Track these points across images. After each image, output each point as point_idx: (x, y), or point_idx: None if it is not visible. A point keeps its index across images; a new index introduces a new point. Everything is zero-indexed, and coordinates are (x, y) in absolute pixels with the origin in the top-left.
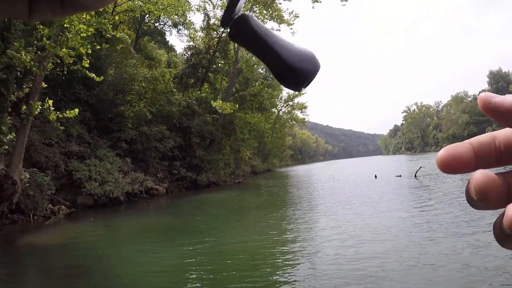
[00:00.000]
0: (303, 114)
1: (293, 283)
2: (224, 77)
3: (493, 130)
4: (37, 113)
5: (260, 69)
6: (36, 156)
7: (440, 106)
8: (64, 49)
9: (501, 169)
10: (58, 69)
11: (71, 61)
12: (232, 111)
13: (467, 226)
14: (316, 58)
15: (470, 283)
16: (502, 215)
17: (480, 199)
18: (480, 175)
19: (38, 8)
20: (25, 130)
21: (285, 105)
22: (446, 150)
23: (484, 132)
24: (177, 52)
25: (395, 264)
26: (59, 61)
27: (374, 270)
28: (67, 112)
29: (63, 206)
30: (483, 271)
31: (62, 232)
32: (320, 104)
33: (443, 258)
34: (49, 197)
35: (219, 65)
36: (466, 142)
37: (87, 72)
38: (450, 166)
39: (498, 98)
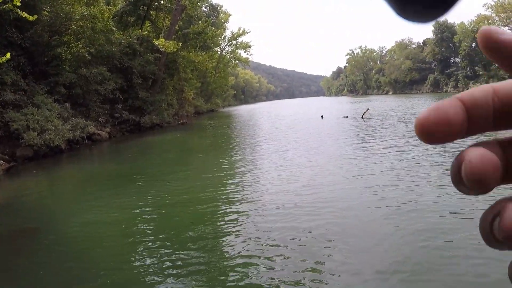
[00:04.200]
0: (247, 54)
1: (238, 231)
2: (166, 15)
3: (435, 78)
4: None
5: (203, 7)
6: None
7: (384, 51)
8: None
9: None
10: None
11: (0, 0)
12: (175, 49)
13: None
14: None
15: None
16: (493, 211)
17: (474, 188)
18: (477, 159)
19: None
20: None
21: (228, 44)
22: (431, 113)
23: (426, 80)
24: None
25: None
26: None
27: (323, 213)
28: None
29: (2, 161)
30: (430, 205)
31: (2, 189)
32: (263, 44)
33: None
34: None
35: (161, 2)
36: (455, 98)
37: (19, 11)
38: (436, 135)
39: (505, 36)
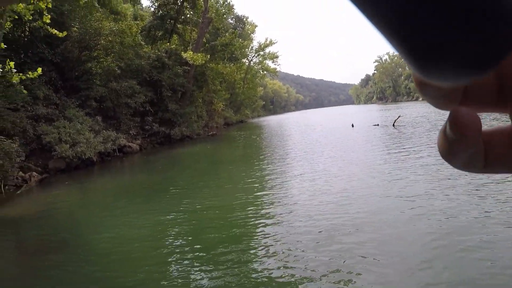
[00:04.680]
0: (275, 64)
1: (270, 238)
2: (193, 28)
3: None
4: None
5: (229, 19)
6: (1, 123)
7: None
8: (21, 4)
9: None
10: (19, 31)
11: (30, 18)
12: (203, 61)
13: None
14: None
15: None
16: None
17: (459, 137)
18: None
19: None
20: None
21: (256, 55)
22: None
23: None
24: (143, 6)
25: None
26: (16, 17)
27: (354, 223)
28: (30, 73)
29: (35, 173)
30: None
31: (35, 201)
32: (291, 54)
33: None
34: (19, 164)
35: (188, 15)
36: None
37: (49, 28)
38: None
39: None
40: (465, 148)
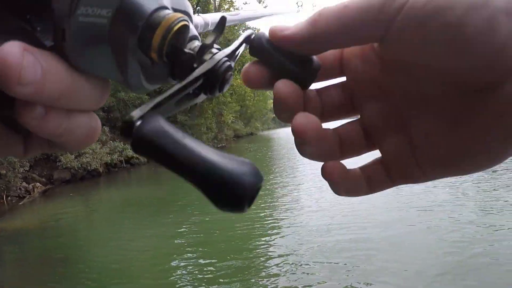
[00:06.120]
0: None
1: (280, 251)
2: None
3: None
4: None
5: (241, 31)
6: None
7: None
8: None
9: None
10: None
11: None
12: None
13: None
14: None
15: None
16: None
17: (301, 141)
18: (298, 115)
19: (32, 147)
20: None
21: None
22: None
23: None
24: None
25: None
26: None
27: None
28: None
29: (38, 184)
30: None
31: (38, 212)
32: None
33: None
34: (23, 174)
35: None
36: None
37: None
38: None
39: (287, 31)
40: (313, 150)
